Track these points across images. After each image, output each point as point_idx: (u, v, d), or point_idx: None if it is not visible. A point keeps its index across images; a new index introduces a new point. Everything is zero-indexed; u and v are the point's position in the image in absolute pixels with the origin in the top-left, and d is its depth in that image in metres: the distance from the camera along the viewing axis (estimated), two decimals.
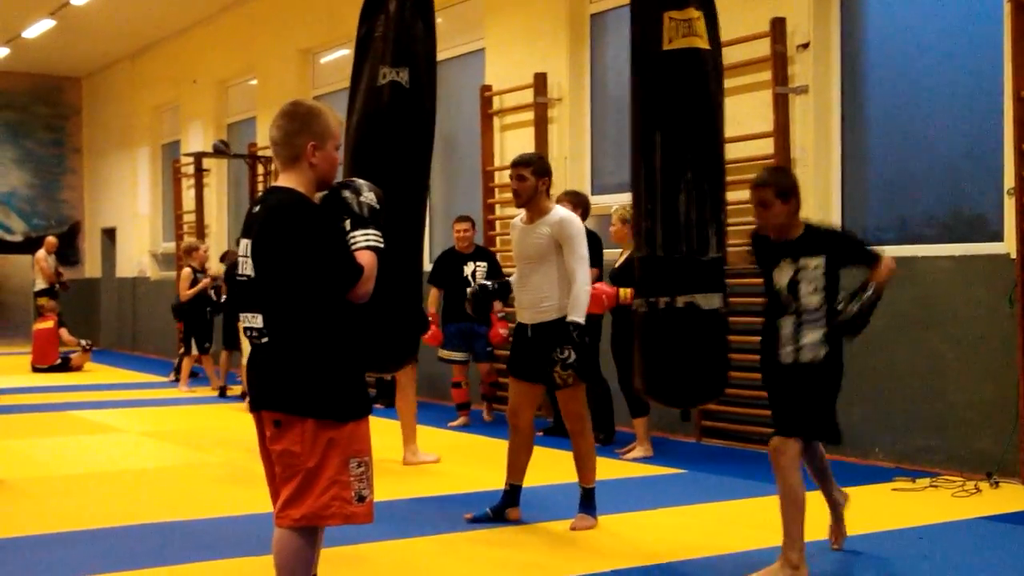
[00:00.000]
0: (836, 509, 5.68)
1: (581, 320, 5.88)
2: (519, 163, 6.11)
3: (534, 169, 6.06)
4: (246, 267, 3.97)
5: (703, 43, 5.48)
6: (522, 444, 6.35)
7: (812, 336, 5.09)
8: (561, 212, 6.10)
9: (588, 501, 6.28)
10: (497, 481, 6.61)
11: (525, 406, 6.27)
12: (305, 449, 3.89)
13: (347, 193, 4.02)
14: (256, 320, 3.95)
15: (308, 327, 3.90)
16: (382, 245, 4.00)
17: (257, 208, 4.04)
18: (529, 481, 6.70)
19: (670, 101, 5.51)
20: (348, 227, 3.98)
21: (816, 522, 5.58)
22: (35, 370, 16.58)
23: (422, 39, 6.04)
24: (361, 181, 4.11)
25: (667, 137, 5.49)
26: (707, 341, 5.53)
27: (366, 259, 3.92)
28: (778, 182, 5.15)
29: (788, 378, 5.16)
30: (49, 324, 16.93)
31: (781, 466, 5.14)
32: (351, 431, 3.93)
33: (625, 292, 8.58)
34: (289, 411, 3.91)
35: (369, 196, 4.03)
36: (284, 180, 4.03)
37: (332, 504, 3.89)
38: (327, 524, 3.95)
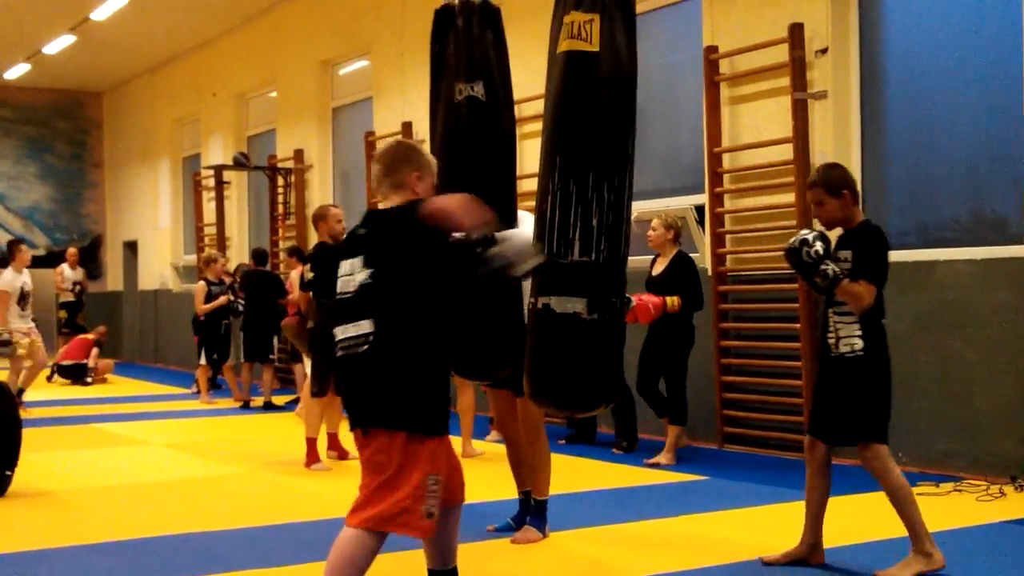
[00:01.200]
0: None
1: None
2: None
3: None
4: (351, 284, 4.20)
5: (589, 46, 5.43)
6: (516, 453, 6.34)
7: (847, 329, 5.19)
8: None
9: (540, 513, 6.20)
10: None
11: (507, 416, 6.27)
12: (391, 458, 4.08)
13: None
14: (360, 327, 4.14)
15: (409, 342, 4.12)
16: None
17: (364, 230, 4.28)
18: (567, 488, 6.71)
19: (551, 104, 5.58)
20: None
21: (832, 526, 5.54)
22: (56, 369, 16.64)
23: (493, 50, 6.08)
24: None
25: (545, 140, 5.55)
26: (562, 346, 5.42)
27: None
28: (827, 179, 5.31)
29: (834, 371, 5.26)
30: (90, 337, 17.17)
31: (874, 470, 5.24)
32: (434, 448, 4.12)
33: (672, 300, 8.55)
34: (377, 424, 4.12)
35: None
36: (388, 204, 4.29)
37: (402, 515, 4.06)
38: (390, 530, 4.09)
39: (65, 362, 16.84)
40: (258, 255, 13.73)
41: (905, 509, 5.21)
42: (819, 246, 5.13)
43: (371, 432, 4.13)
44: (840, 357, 5.22)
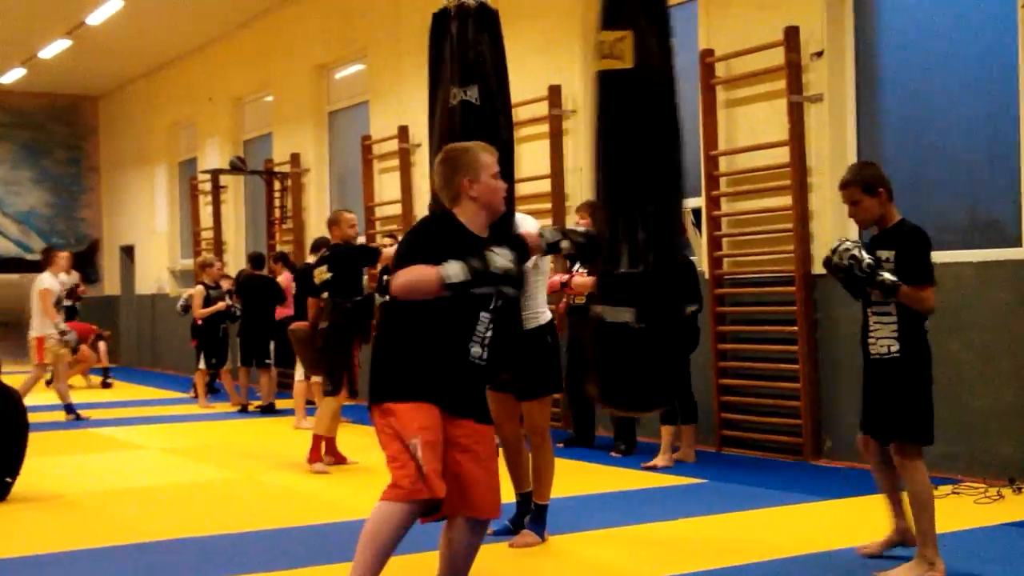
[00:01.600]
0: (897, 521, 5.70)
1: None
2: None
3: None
4: None
5: (623, 63, 5.50)
6: (512, 455, 6.33)
7: (884, 331, 5.21)
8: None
9: (540, 518, 6.20)
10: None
11: (505, 417, 6.22)
12: (380, 434, 4.40)
13: (488, 251, 4.35)
14: None
15: (389, 322, 4.49)
16: (453, 281, 4.24)
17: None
18: (566, 491, 6.68)
19: (597, 123, 5.68)
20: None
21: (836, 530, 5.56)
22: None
23: (489, 54, 6.08)
24: (505, 252, 4.37)
25: (594, 159, 5.69)
26: (615, 354, 5.56)
27: (416, 269, 4.26)
28: (862, 178, 5.32)
29: (875, 374, 5.28)
30: (94, 328, 17.50)
31: (904, 469, 5.26)
32: (398, 413, 4.30)
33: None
34: (370, 401, 4.45)
35: (495, 263, 4.31)
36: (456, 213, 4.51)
37: (395, 481, 4.26)
38: (392, 500, 4.24)
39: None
40: (255, 259, 13.73)
41: (921, 514, 5.22)
42: (868, 258, 5.12)
43: (372, 415, 4.45)
44: (879, 359, 5.25)
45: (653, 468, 8.50)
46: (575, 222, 9.74)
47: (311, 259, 11.15)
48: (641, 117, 5.47)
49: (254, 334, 12.99)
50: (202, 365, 13.72)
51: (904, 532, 5.56)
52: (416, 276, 4.26)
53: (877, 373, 5.27)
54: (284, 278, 12.96)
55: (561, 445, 9.68)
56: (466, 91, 6.07)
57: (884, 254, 5.21)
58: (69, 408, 12.79)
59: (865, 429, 5.48)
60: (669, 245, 5.53)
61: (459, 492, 4.39)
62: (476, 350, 4.46)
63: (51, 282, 12.66)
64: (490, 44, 6.14)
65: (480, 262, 4.28)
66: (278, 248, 16.14)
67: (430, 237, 4.40)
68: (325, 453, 8.84)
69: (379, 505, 4.27)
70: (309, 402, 11.79)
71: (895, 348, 5.19)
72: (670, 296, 5.54)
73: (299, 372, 11.51)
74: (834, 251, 5.25)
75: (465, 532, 4.55)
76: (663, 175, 5.50)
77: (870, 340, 5.27)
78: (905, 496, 5.39)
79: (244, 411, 13.10)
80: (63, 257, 13.01)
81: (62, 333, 12.55)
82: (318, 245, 11.48)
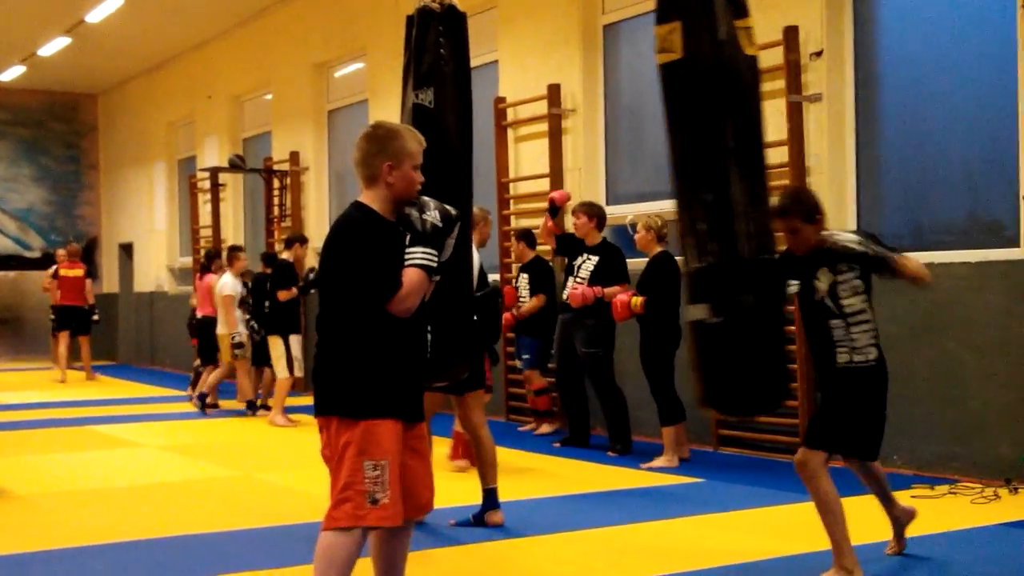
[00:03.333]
0: (896, 526, 5.73)
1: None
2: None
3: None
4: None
5: (674, 55, 5.49)
6: (478, 451, 6.61)
7: (864, 337, 5.20)
8: None
9: (492, 498, 6.55)
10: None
11: (430, 414, 6.43)
12: (332, 450, 4.13)
13: (412, 210, 4.22)
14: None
15: (342, 332, 4.15)
16: (433, 264, 4.17)
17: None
18: (539, 492, 6.67)
19: (665, 115, 5.64)
20: (408, 243, 4.18)
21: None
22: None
23: (449, 57, 6.06)
24: (429, 199, 4.27)
25: (670, 151, 5.60)
26: (702, 353, 5.55)
27: (410, 276, 4.11)
28: (802, 208, 5.24)
29: (843, 382, 5.22)
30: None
31: (810, 475, 5.21)
32: (365, 430, 4.06)
33: (636, 300, 8.64)
34: (320, 412, 4.19)
35: (432, 214, 4.21)
36: (363, 197, 4.26)
37: (345, 505, 4.04)
38: (343, 525, 4.04)
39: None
40: (268, 258, 13.64)
41: (829, 522, 5.21)
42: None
43: (320, 425, 4.20)
44: (849, 367, 5.20)
45: (656, 469, 8.48)
46: (571, 224, 9.77)
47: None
48: (690, 103, 5.45)
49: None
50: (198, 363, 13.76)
51: (898, 517, 5.64)
52: (413, 289, 4.11)
53: (853, 380, 5.21)
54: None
55: (557, 445, 9.70)
56: (420, 94, 6.10)
57: (845, 266, 5.18)
58: (202, 399, 13.05)
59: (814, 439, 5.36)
60: (732, 234, 5.37)
61: (407, 495, 4.22)
62: (428, 339, 4.40)
63: (234, 285, 12.61)
64: (451, 48, 6.12)
65: (422, 226, 4.18)
66: (277, 247, 16.14)
67: (377, 242, 4.15)
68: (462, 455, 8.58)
69: (329, 536, 4.06)
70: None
71: (873, 356, 5.20)
72: (742, 288, 5.37)
73: (282, 369, 11.73)
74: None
75: (408, 533, 4.41)
76: (714, 162, 5.40)
77: (841, 350, 5.20)
78: (886, 493, 5.58)
79: (252, 408, 13.05)
80: (243, 258, 13.04)
81: (237, 344, 12.58)
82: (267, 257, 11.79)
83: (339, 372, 4.13)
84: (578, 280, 9.26)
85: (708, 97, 5.45)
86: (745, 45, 5.51)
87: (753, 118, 5.53)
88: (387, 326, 4.12)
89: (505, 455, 8.96)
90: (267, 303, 12.09)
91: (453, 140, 6.14)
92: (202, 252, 17.89)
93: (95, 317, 18.29)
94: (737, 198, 5.39)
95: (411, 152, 4.25)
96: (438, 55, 6.08)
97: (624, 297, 8.76)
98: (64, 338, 18.01)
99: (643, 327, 8.90)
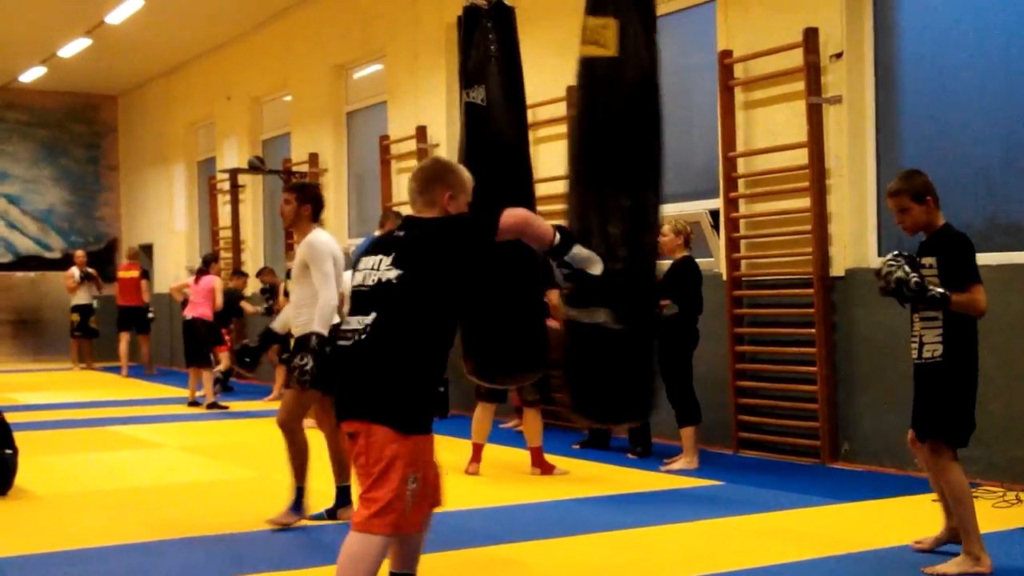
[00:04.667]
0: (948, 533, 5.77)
1: (323, 331, 6.18)
2: (287, 188, 6.74)
3: (297, 196, 6.58)
4: (369, 279, 4.26)
5: (607, 51, 5.41)
6: (332, 448, 6.72)
7: (931, 335, 5.33)
8: (311, 235, 6.50)
9: (294, 500, 6.65)
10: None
11: (298, 414, 6.64)
12: (374, 456, 4.11)
13: None
14: (362, 321, 4.21)
15: (408, 343, 4.17)
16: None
17: (402, 232, 4.34)
18: (558, 495, 6.64)
19: (572, 111, 5.58)
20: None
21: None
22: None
23: (499, 55, 6.05)
24: None
25: (570, 148, 5.55)
26: (590, 357, 5.57)
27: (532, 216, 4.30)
28: (911, 187, 5.45)
29: (920, 377, 5.43)
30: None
31: (938, 468, 5.44)
32: (415, 445, 4.14)
33: (664, 304, 8.60)
34: (363, 416, 4.15)
35: (593, 266, 4.44)
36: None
37: (388, 513, 4.07)
38: (380, 531, 4.09)
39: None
40: None
41: (961, 511, 5.39)
42: (914, 276, 5.18)
43: (356, 429, 4.16)
44: (923, 363, 5.39)
45: (677, 471, 8.46)
46: None
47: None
48: (621, 107, 5.35)
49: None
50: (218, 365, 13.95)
51: (954, 530, 5.63)
52: (534, 218, 4.29)
53: (922, 376, 5.42)
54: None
55: (576, 447, 9.69)
56: (470, 93, 6.09)
57: (927, 260, 5.35)
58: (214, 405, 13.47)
59: (913, 426, 5.61)
60: (645, 241, 5.38)
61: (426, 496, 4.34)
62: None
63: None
64: (500, 44, 6.10)
65: (582, 251, 4.35)
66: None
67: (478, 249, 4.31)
68: (533, 464, 8.55)
69: (362, 539, 4.11)
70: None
71: (938, 353, 5.33)
72: (647, 295, 5.37)
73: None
74: (880, 274, 5.31)
75: (426, 523, 4.52)
76: (640, 168, 5.36)
77: (914, 344, 5.42)
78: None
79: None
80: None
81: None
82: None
83: (398, 383, 4.14)
84: None
85: (643, 101, 5.38)
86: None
87: (660, 132, 5.51)
88: (444, 342, 4.25)
89: (522, 457, 8.97)
90: None
91: (507, 134, 6.12)
92: (221, 254, 17.99)
93: (151, 315, 19.34)
94: (649, 207, 5.37)
95: (467, 187, 4.46)
96: (487, 51, 6.08)
97: None
98: (125, 337, 19.07)
99: (661, 329, 8.85)
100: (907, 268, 5.22)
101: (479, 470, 8.44)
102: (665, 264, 9.01)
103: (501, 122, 6.09)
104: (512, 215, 4.21)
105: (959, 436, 5.42)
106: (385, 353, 4.16)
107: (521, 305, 5.54)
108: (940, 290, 5.21)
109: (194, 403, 13.64)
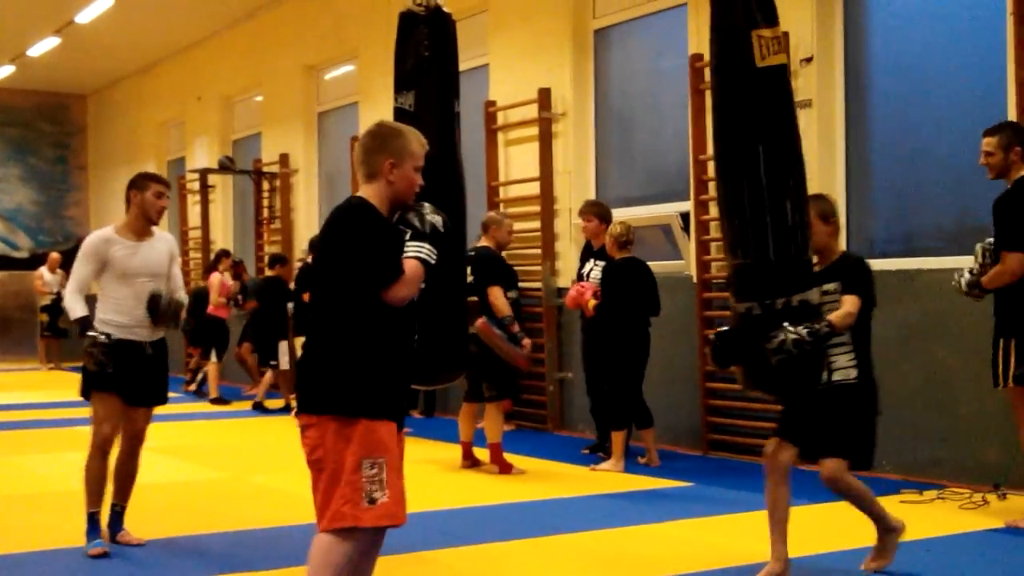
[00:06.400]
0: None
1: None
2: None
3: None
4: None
5: (786, 59, 5.62)
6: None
7: (843, 359, 5.32)
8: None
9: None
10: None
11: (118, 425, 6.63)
12: (327, 450, 3.98)
13: (411, 213, 4.17)
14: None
15: (338, 327, 4.04)
16: (432, 260, 4.11)
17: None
18: (524, 496, 6.64)
19: (769, 114, 5.55)
20: (407, 239, 4.11)
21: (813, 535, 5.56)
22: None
23: (432, 59, 6.00)
24: (428, 205, 4.22)
25: (768, 149, 5.49)
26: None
27: (410, 265, 4.05)
28: (818, 205, 5.43)
29: (829, 399, 5.33)
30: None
31: (840, 486, 5.38)
32: (364, 428, 3.96)
33: (591, 303, 8.68)
34: (310, 411, 4.03)
35: (434, 218, 4.17)
36: (362, 192, 4.18)
37: (347, 507, 3.93)
38: (336, 527, 3.95)
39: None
40: (279, 259, 13.68)
41: (869, 505, 5.45)
42: (801, 329, 5.08)
43: (305, 423, 4.04)
44: (835, 385, 5.32)
45: (604, 469, 8.54)
46: (580, 225, 9.65)
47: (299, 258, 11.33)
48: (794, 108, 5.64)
49: (268, 334, 13.00)
50: (213, 359, 14.02)
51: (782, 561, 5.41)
52: (412, 279, 4.04)
53: (833, 398, 5.33)
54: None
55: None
56: (399, 98, 6.08)
57: (832, 286, 5.38)
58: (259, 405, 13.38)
59: (803, 446, 5.44)
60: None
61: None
62: (414, 346, 4.31)
63: None
64: (433, 51, 6.06)
65: (423, 225, 4.12)
66: (266, 248, 16.14)
67: (379, 229, 4.08)
68: (491, 461, 8.61)
69: (325, 538, 3.98)
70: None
71: (852, 376, 5.34)
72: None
73: (285, 361, 12.29)
74: (775, 353, 5.07)
75: (378, 544, 4.28)
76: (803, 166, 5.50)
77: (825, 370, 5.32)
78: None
79: (261, 409, 13.14)
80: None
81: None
82: (314, 245, 11.56)
83: (335, 369, 4.01)
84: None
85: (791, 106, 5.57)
86: None
87: None
88: (383, 323, 4.03)
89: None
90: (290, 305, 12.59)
91: (433, 141, 6.11)
92: (190, 254, 17.94)
93: None
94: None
95: (413, 153, 4.20)
96: (421, 58, 6.04)
97: (582, 292, 8.82)
98: None
99: (591, 328, 8.98)
100: (789, 328, 5.07)
101: (468, 466, 8.70)
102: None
103: (429, 128, 6.08)
104: (402, 292, 4.04)
105: (869, 457, 5.45)
106: (320, 343, 4.08)
107: (439, 309, 5.54)
108: (825, 322, 5.15)
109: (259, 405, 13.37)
